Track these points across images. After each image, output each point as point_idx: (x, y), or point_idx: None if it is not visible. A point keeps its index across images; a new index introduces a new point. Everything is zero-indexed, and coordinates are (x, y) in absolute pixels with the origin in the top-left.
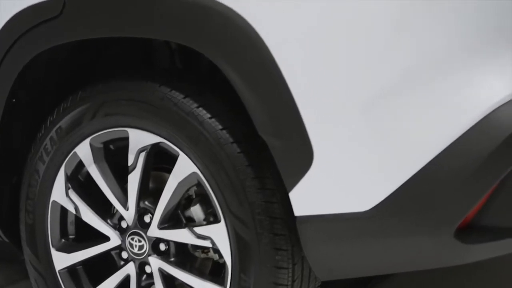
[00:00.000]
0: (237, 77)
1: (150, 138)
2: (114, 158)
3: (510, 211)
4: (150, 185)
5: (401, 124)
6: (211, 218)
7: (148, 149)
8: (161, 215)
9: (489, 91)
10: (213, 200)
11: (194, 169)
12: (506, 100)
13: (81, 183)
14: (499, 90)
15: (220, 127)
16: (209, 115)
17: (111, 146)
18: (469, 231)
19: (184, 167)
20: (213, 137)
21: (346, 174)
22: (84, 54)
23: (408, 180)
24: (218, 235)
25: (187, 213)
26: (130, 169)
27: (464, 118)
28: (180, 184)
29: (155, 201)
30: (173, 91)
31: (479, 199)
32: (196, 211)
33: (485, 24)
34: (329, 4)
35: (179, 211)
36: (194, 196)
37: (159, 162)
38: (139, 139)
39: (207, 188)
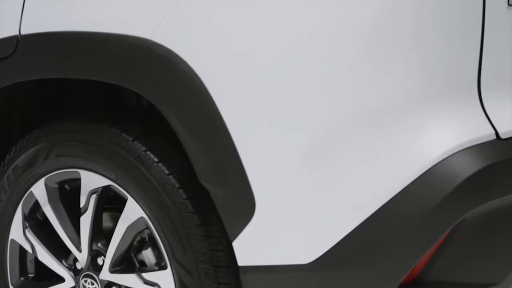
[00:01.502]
0: (177, 121)
1: (101, 181)
2: (70, 198)
3: (458, 266)
4: (109, 225)
5: (344, 174)
6: (162, 263)
7: (99, 192)
8: (112, 258)
9: (437, 141)
10: (160, 246)
11: (142, 214)
12: (454, 151)
13: (38, 222)
14: (447, 140)
15: (167, 172)
16: (156, 160)
17: (67, 187)
18: (413, 287)
19: (132, 211)
20: (159, 182)
21: (289, 225)
22: (53, 90)
23: (351, 232)
24: (165, 282)
25: (140, 256)
26: (82, 211)
27: (410, 168)
28: (129, 228)
29: (108, 243)
30: (122, 134)
31: (424, 253)
32: (148, 255)
33: (434, 73)
34: (272, 54)
35: (132, 255)
36: (147, 240)
37: (117, 203)
38: (90, 181)
39: (154, 234)
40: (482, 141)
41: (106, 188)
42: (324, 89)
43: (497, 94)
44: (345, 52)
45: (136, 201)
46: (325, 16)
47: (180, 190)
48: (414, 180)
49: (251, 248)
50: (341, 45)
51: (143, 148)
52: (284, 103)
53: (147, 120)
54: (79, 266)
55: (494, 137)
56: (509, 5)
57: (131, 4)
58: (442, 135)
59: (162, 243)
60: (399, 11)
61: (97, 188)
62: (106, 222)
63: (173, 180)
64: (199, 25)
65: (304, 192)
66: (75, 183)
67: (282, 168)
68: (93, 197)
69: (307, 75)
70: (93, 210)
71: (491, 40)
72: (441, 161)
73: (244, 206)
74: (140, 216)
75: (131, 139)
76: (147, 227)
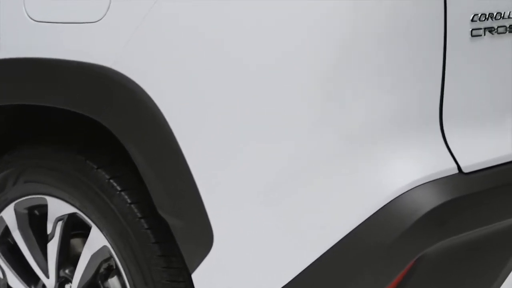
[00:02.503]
0: (135, 152)
1: (66, 208)
2: (39, 224)
3: None
4: (79, 251)
5: (302, 208)
6: None
7: (65, 219)
8: (78, 285)
9: (398, 174)
10: (123, 276)
11: (106, 242)
12: (414, 185)
13: (9, 247)
14: (408, 173)
15: (129, 201)
16: (119, 189)
17: (36, 212)
18: None
19: (97, 240)
20: (120, 211)
21: (247, 258)
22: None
23: (309, 266)
24: None
25: (107, 284)
26: (49, 237)
27: (370, 202)
28: (93, 256)
29: (75, 270)
30: (87, 161)
31: None
32: (114, 283)
33: (394, 106)
34: (231, 90)
35: (100, 282)
36: (114, 267)
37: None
38: (57, 208)
39: (118, 264)
40: (443, 175)
41: (72, 216)
42: (282, 124)
43: (460, 127)
44: (304, 87)
45: (100, 229)
46: (277, 57)
47: (142, 220)
48: (373, 214)
49: (210, 280)
50: (299, 79)
51: (107, 177)
52: (242, 138)
53: (113, 147)
54: None
55: (456, 171)
56: (472, 36)
57: (93, 32)
58: (403, 169)
59: (125, 273)
60: (358, 46)
61: (63, 215)
62: (76, 248)
63: (135, 210)
64: (160, 56)
65: (262, 227)
66: (44, 209)
67: (240, 203)
68: (59, 224)
69: (263, 110)
70: (59, 237)
71: (453, 72)
72: (400, 195)
73: (202, 239)
74: (104, 244)
75: (95, 167)
76: (112, 256)
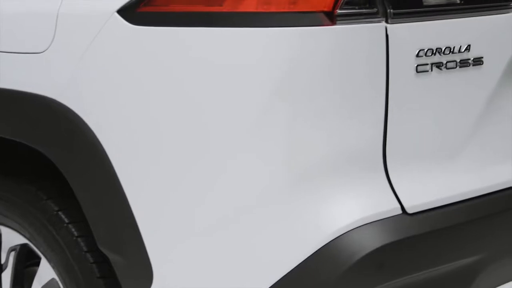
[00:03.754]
0: (76, 185)
1: (18, 238)
2: None
3: None
4: None
5: (240, 249)
6: None
7: (17, 249)
8: None
9: (339, 215)
10: None
11: (54, 275)
12: (355, 225)
13: None
14: (349, 214)
15: (76, 234)
16: (67, 221)
17: None
18: None
19: (45, 272)
20: (67, 244)
21: None
22: None
23: None
24: None
25: None
26: (3, 267)
27: (307, 244)
28: None
29: None
30: (38, 192)
31: None
32: None
33: (336, 146)
34: (170, 128)
35: None
36: None
37: None
38: (10, 238)
39: None
40: (386, 216)
41: (24, 246)
42: (221, 162)
43: (405, 166)
44: (239, 125)
45: (49, 261)
46: (215, 98)
47: (88, 254)
48: (310, 256)
49: None
50: (233, 118)
51: (55, 208)
52: (183, 175)
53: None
54: None
55: (400, 211)
56: (417, 72)
57: (39, 63)
58: (344, 209)
59: None
60: (298, 87)
61: (16, 246)
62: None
63: (82, 243)
64: (102, 90)
65: (202, 264)
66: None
67: (181, 240)
68: (12, 254)
69: (201, 148)
70: (12, 267)
71: (397, 111)
72: (340, 235)
73: (142, 274)
74: (52, 277)
75: (44, 198)
76: None
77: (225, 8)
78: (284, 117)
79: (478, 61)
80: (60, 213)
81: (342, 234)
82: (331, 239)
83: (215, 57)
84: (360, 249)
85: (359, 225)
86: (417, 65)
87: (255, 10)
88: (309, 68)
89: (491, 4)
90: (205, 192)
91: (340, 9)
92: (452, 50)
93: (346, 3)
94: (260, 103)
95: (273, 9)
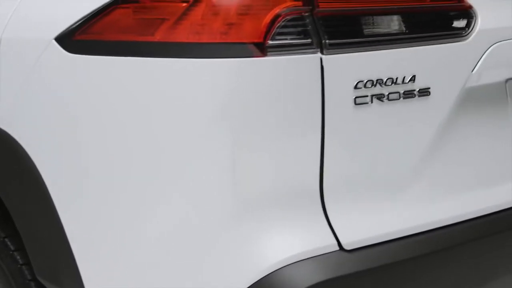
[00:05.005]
0: (13, 213)
1: None
2: None
3: None
4: None
5: (175, 282)
6: None
7: None
8: None
9: (272, 251)
10: None
11: None
12: (288, 262)
13: None
14: (283, 250)
15: (21, 262)
16: (12, 248)
17: None
18: None
19: None
20: (11, 272)
21: None
22: None
23: None
24: None
25: None
26: None
27: (239, 280)
28: None
29: None
30: None
31: None
32: None
33: (271, 180)
34: (107, 159)
35: None
36: None
37: None
38: None
39: None
40: (323, 252)
41: None
42: (160, 194)
43: (343, 202)
44: (174, 159)
45: None
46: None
47: (32, 283)
48: None
49: None
50: (166, 153)
51: (2, 235)
52: (117, 207)
53: None
54: None
55: (337, 247)
56: (356, 104)
57: None
58: (278, 244)
59: None
60: (232, 117)
61: None
62: None
63: (26, 272)
64: (40, 118)
65: None
66: None
67: (119, 273)
68: None
69: (138, 186)
70: None
71: (334, 144)
72: (271, 272)
73: None
74: None
75: None
76: None
77: (157, 38)
78: (220, 148)
79: (424, 92)
80: (6, 240)
81: (276, 270)
82: (265, 274)
83: (148, 87)
84: (294, 286)
85: (294, 261)
86: (356, 97)
87: (186, 41)
88: (241, 100)
89: (437, 34)
90: (144, 223)
91: (272, 40)
92: (394, 81)
93: (279, 34)
94: (191, 133)
95: (204, 39)
